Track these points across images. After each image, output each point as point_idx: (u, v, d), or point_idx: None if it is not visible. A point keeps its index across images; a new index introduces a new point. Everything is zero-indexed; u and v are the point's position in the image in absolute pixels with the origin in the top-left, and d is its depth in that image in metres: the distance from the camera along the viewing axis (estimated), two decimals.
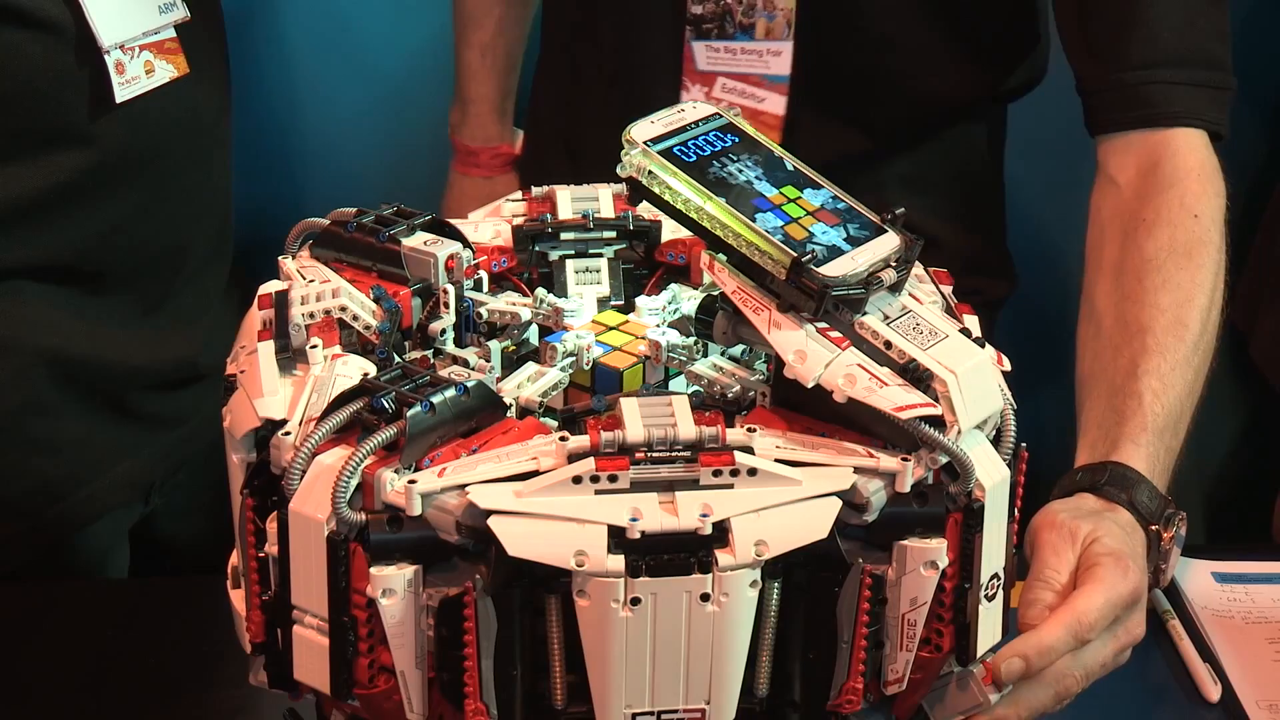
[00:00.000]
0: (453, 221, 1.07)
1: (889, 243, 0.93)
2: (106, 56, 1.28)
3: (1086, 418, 1.34)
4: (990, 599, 0.91)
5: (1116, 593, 1.07)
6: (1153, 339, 1.31)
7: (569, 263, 1.10)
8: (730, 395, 0.93)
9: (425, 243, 1.03)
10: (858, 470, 0.85)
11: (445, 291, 1.01)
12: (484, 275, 1.07)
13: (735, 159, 0.95)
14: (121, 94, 1.29)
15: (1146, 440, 1.26)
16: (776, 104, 1.58)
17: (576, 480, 0.82)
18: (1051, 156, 1.93)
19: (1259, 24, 2.05)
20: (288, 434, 0.87)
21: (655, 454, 0.83)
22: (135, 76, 1.30)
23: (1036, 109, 1.73)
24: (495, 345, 1.02)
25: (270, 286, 0.98)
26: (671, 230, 1.10)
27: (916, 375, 0.87)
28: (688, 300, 1.06)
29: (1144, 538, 1.18)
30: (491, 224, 1.12)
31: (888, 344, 0.89)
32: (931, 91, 1.57)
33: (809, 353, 0.88)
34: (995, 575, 0.91)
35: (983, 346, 0.91)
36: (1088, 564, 1.09)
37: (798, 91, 1.56)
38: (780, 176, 0.95)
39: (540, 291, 1.05)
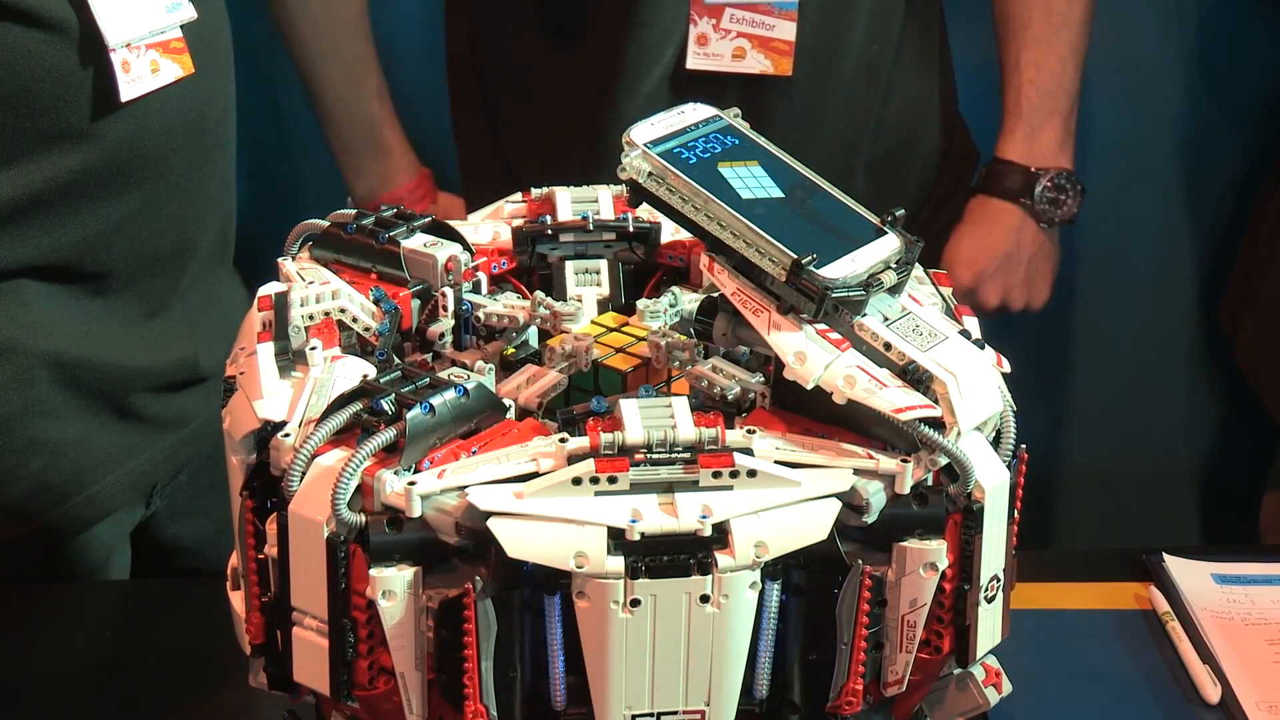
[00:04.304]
0: (452, 223, 1.07)
1: (889, 244, 0.93)
2: (112, 55, 1.28)
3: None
4: (990, 600, 0.91)
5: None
6: (1029, 33, 1.78)
7: (569, 264, 1.10)
8: (730, 396, 0.93)
9: (425, 244, 1.03)
10: (857, 472, 0.85)
11: (444, 295, 1.02)
12: (483, 277, 1.07)
13: (735, 161, 0.95)
14: (127, 93, 1.29)
15: (1021, 125, 1.79)
16: (787, 30, 1.60)
17: (576, 481, 0.82)
18: None
19: (1241, 38, 2.06)
20: (287, 435, 0.87)
21: (655, 455, 0.83)
22: (140, 75, 1.30)
23: None
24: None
25: (270, 288, 0.99)
26: (671, 232, 1.10)
27: (916, 377, 0.87)
28: (689, 301, 1.06)
29: (1016, 210, 1.80)
30: (491, 225, 1.12)
31: (887, 345, 0.89)
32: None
33: (809, 354, 0.88)
34: (995, 577, 0.91)
35: (982, 348, 0.91)
36: None
37: (808, 16, 1.59)
38: (780, 178, 0.95)
39: (539, 294, 1.05)
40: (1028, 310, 1.86)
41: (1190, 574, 1.27)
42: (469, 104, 1.86)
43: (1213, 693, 1.15)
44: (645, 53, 1.65)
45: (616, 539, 0.81)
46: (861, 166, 1.75)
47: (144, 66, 1.30)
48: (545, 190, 1.14)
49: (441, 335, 1.02)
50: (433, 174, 1.96)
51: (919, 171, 1.83)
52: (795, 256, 0.89)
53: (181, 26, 1.35)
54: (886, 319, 0.91)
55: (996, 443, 0.92)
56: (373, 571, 0.83)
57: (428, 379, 0.88)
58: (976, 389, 0.88)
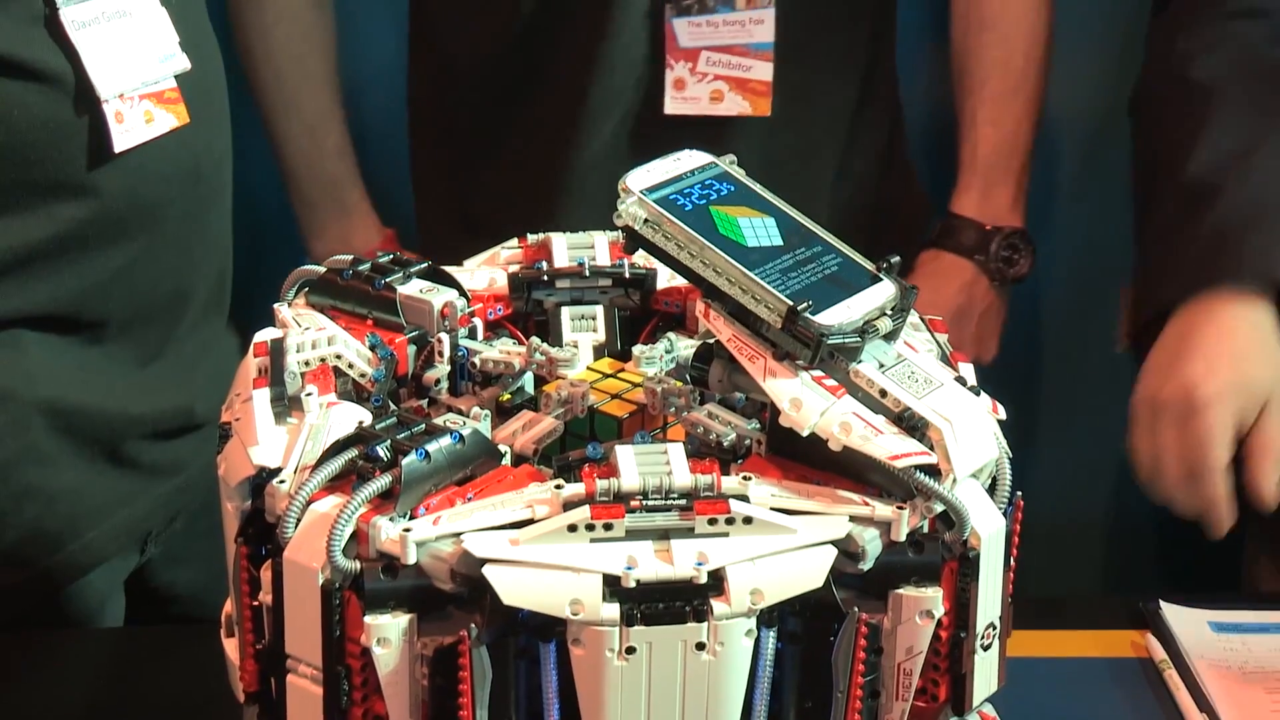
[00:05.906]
0: (448, 269, 1.07)
1: (884, 291, 0.93)
2: (105, 106, 1.28)
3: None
4: (986, 649, 0.91)
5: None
6: (986, 91, 1.79)
7: (565, 310, 1.10)
8: (726, 443, 0.93)
9: (421, 290, 1.03)
10: (853, 519, 0.85)
11: (440, 341, 1.02)
12: (479, 323, 1.07)
13: (730, 207, 0.96)
14: (120, 144, 1.29)
15: (976, 182, 1.79)
16: (764, 71, 1.62)
17: (572, 528, 0.82)
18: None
19: None
20: (282, 482, 0.87)
21: (650, 502, 0.83)
22: (134, 126, 1.30)
23: None
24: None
25: (265, 334, 0.99)
26: (667, 278, 1.11)
27: (912, 423, 0.87)
28: (684, 348, 1.06)
29: (969, 266, 1.79)
30: (487, 271, 1.12)
31: (883, 392, 0.89)
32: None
33: (804, 401, 0.88)
34: (991, 625, 0.91)
35: (978, 395, 0.91)
36: None
37: (783, 55, 1.61)
38: (776, 224, 0.95)
39: (535, 340, 1.05)
40: (976, 365, 1.86)
41: (1187, 622, 1.27)
42: (429, 147, 1.86)
43: None
44: (609, 95, 1.65)
45: (612, 586, 0.81)
46: (824, 213, 1.75)
47: (138, 117, 1.31)
48: (541, 236, 1.14)
49: (437, 381, 1.02)
50: (396, 234, 1.92)
51: (872, 221, 1.83)
52: (791, 303, 0.89)
53: (176, 77, 1.35)
54: (882, 365, 0.91)
55: (992, 489, 0.92)
56: (367, 619, 0.83)
57: (423, 425, 0.88)
58: (972, 436, 0.88)
